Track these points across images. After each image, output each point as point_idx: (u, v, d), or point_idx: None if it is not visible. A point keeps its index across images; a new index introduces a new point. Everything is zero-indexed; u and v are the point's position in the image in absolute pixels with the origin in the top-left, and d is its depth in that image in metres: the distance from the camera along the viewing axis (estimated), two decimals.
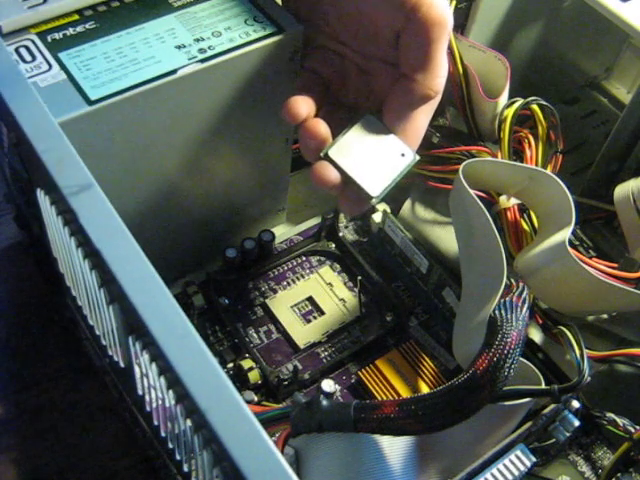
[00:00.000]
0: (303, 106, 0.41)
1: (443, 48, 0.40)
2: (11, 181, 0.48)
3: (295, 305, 0.52)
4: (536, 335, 0.49)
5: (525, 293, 0.41)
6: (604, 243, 0.57)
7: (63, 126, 0.33)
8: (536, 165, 0.51)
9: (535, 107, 0.52)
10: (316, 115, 0.42)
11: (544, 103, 0.52)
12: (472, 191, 0.44)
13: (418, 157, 0.42)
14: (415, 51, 0.40)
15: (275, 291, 0.53)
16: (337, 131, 0.42)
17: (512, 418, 0.41)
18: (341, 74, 0.44)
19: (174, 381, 0.28)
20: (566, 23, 0.62)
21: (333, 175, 0.41)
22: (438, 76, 0.40)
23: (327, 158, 0.41)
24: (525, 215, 0.50)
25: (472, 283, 0.46)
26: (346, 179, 0.41)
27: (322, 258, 0.56)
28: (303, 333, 0.51)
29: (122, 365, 0.36)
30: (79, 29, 0.41)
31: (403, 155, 0.42)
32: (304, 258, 0.55)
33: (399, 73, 0.41)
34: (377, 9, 0.40)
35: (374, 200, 0.41)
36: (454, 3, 0.53)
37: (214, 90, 0.42)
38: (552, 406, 0.42)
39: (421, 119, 0.42)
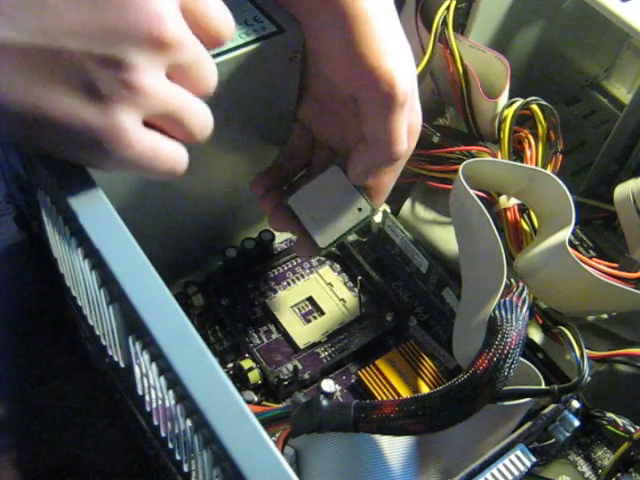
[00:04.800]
0: (261, 187, 0.45)
1: (398, 119, 0.39)
2: (11, 181, 0.48)
3: (295, 305, 0.52)
4: (536, 335, 0.49)
5: (525, 293, 0.41)
6: (604, 243, 0.57)
7: None
8: (536, 165, 0.51)
9: (535, 107, 0.52)
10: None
11: (544, 103, 0.52)
12: (472, 191, 0.44)
13: (376, 211, 0.44)
14: (369, 120, 0.39)
15: (275, 291, 0.53)
16: (320, 166, 0.44)
17: (512, 418, 0.41)
18: (320, 118, 0.45)
19: (174, 381, 0.28)
20: (566, 23, 0.62)
21: (289, 222, 0.44)
22: (397, 144, 0.39)
23: (286, 206, 0.43)
24: (525, 215, 0.50)
25: (472, 283, 0.46)
26: (301, 227, 0.44)
27: (322, 258, 0.56)
28: (303, 333, 0.51)
29: (122, 365, 0.36)
30: None
31: (360, 209, 0.43)
32: (304, 258, 0.55)
33: (360, 133, 0.41)
34: (334, 74, 0.40)
35: (322, 251, 0.44)
36: (454, 3, 0.53)
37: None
38: (552, 406, 0.42)
39: (385, 178, 0.43)
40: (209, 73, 0.32)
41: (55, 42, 0.27)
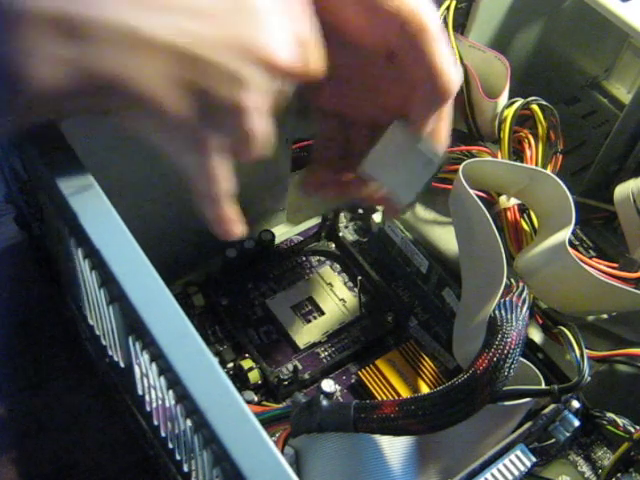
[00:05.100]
0: (312, 188, 0.45)
1: (441, 51, 0.38)
2: (11, 181, 0.48)
3: (295, 305, 0.52)
4: (536, 335, 0.49)
5: (525, 293, 0.41)
6: (604, 243, 0.57)
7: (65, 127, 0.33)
8: (536, 165, 0.51)
9: (535, 107, 0.52)
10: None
11: (544, 103, 0.52)
12: (472, 191, 0.44)
13: (445, 156, 0.43)
14: (415, 64, 0.39)
15: (275, 291, 0.53)
16: (365, 148, 0.43)
17: (512, 418, 0.41)
18: (352, 100, 0.44)
19: (174, 381, 0.28)
20: (566, 23, 0.62)
21: (367, 191, 0.44)
22: (451, 75, 0.39)
23: (362, 173, 0.42)
24: (525, 215, 0.50)
25: (472, 283, 0.46)
26: (381, 189, 0.43)
27: (322, 258, 0.56)
28: (303, 333, 0.51)
29: (122, 365, 0.36)
30: None
31: (431, 158, 0.42)
32: (304, 258, 0.55)
33: (411, 83, 0.40)
34: (359, 35, 0.39)
35: (409, 207, 0.44)
36: (454, 3, 0.53)
37: None
38: (552, 406, 0.42)
39: (442, 124, 0.42)
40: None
41: (191, 45, 0.28)
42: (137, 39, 0.27)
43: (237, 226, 0.37)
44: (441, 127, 0.42)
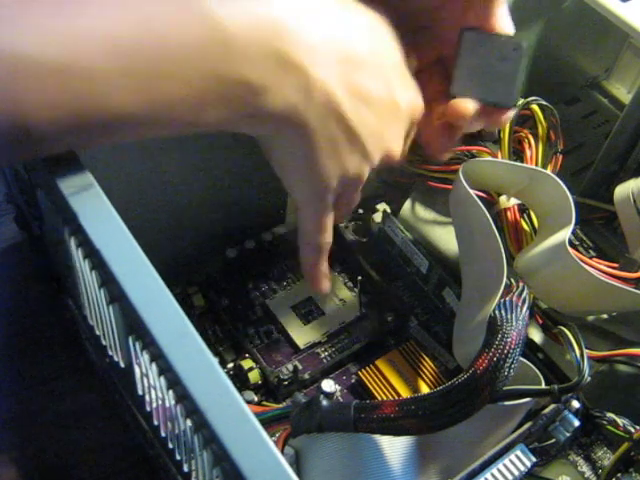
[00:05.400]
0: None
1: None
2: (11, 181, 0.48)
3: (295, 305, 0.52)
4: (536, 335, 0.49)
5: (525, 293, 0.41)
6: (604, 243, 0.57)
7: None
8: (536, 165, 0.51)
9: (535, 107, 0.52)
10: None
11: (544, 103, 0.52)
12: (472, 191, 0.44)
13: (526, 43, 0.41)
14: None
15: (275, 291, 0.53)
16: (444, 86, 0.42)
17: (512, 418, 0.41)
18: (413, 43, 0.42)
19: (174, 381, 0.28)
20: (566, 23, 0.62)
21: (469, 107, 0.41)
22: None
23: (456, 95, 0.41)
24: (525, 215, 0.50)
25: (472, 283, 0.46)
26: (480, 102, 0.41)
27: None
28: (303, 333, 0.51)
29: (122, 365, 0.36)
30: None
31: (515, 49, 0.41)
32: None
33: None
34: None
35: (514, 108, 0.43)
36: None
37: None
38: (552, 406, 0.42)
39: (501, 5, 0.41)
40: None
41: (357, 123, 0.34)
42: (332, 102, 0.33)
43: (327, 281, 0.42)
44: (505, 18, 0.41)
